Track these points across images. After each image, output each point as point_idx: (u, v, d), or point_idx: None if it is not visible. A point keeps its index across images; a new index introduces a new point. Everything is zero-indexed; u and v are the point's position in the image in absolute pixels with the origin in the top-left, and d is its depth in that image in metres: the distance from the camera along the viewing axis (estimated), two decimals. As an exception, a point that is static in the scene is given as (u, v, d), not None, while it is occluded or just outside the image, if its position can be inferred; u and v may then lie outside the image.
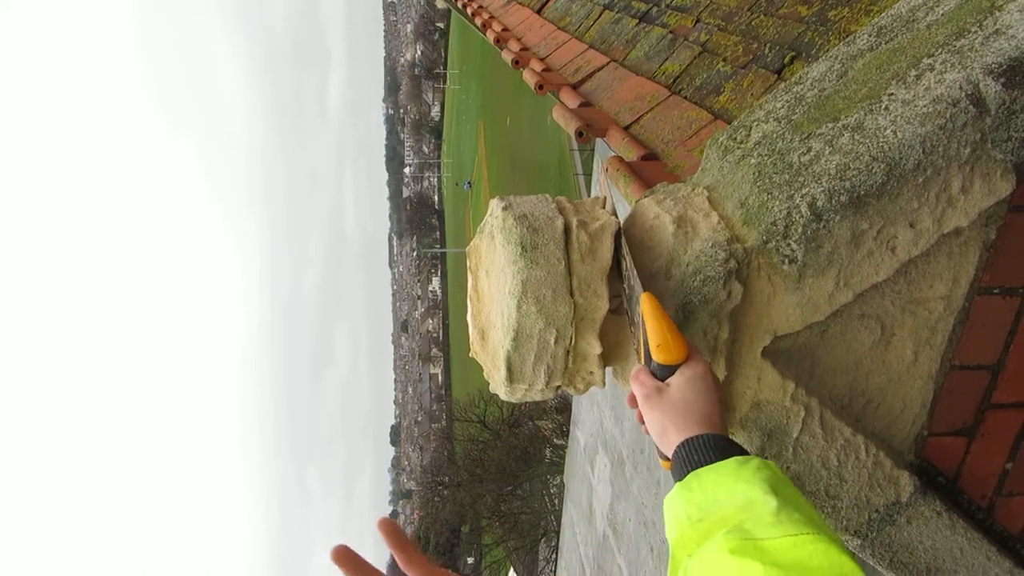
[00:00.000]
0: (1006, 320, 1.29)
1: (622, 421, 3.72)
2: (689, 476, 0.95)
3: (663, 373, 1.06)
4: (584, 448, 4.66)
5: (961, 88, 1.10)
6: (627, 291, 1.18)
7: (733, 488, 0.89)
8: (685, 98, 2.47)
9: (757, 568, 0.77)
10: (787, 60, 2.18)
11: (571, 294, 1.16)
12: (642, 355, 1.11)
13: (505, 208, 1.20)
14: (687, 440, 0.99)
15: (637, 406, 1.11)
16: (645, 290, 1.08)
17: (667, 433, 1.04)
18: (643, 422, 1.10)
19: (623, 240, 1.18)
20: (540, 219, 1.18)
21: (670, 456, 1.03)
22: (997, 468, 1.41)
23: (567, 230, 1.18)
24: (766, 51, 2.31)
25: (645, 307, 1.06)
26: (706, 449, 0.97)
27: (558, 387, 1.26)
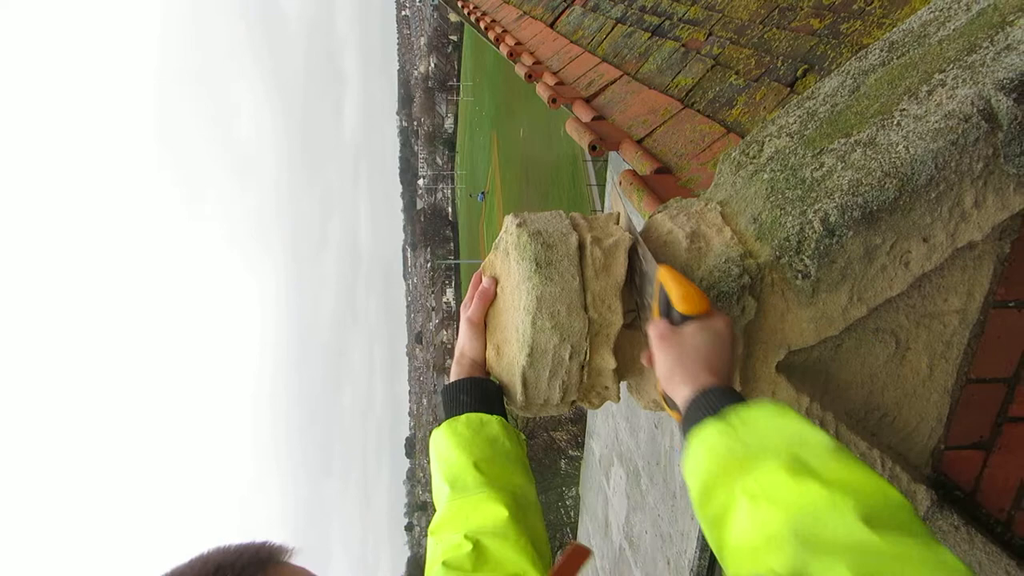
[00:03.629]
0: (1022, 333, 1.29)
1: (637, 432, 3.72)
2: (727, 413, 0.95)
3: (683, 324, 1.08)
4: (599, 460, 4.65)
5: (973, 104, 1.10)
6: (639, 289, 1.19)
7: (782, 424, 0.91)
8: (698, 111, 2.48)
9: (817, 487, 0.79)
10: (800, 73, 2.19)
11: (585, 310, 1.17)
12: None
13: (519, 225, 1.22)
14: (709, 390, 1.00)
15: (651, 362, 1.13)
16: (660, 263, 1.12)
17: (673, 375, 1.05)
18: (652, 365, 1.12)
19: (639, 240, 1.20)
20: (554, 235, 1.19)
21: (678, 401, 1.04)
22: (1015, 481, 1.40)
23: (581, 246, 1.19)
24: (779, 64, 2.32)
25: (665, 272, 1.09)
26: (731, 398, 0.99)
27: (573, 402, 1.27)
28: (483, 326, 1.29)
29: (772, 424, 0.91)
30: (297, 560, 0.85)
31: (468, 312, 1.29)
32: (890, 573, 0.68)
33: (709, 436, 0.95)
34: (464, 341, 1.30)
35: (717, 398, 0.99)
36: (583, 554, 0.98)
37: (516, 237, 1.20)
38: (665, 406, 1.14)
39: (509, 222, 1.25)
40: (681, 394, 1.04)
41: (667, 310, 1.10)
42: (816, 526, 0.76)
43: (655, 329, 1.10)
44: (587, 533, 5.08)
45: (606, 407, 4.29)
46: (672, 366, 1.06)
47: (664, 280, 1.09)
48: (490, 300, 1.27)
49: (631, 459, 3.85)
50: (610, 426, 4.25)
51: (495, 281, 1.28)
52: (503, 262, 1.26)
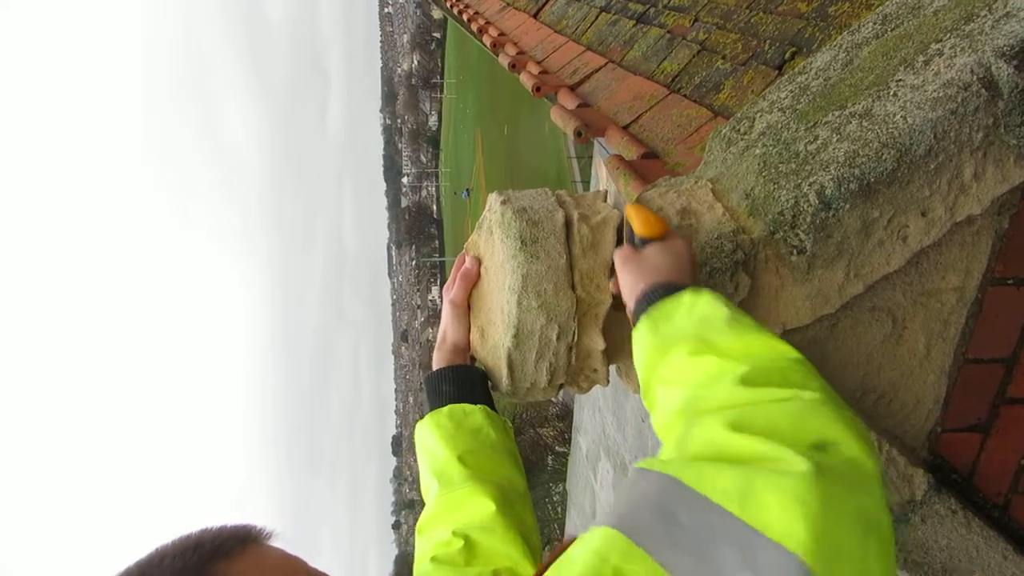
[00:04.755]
0: (1020, 312, 1.26)
1: (624, 427, 3.68)
2: (652, 309, 0.98)
3: (644, 247, 1.11)
4: (587, 454, 4.63)
5: (972, 71, 1.06)
6: None
7: (693, 308, 0.95)
8: (684, 96, 2.44)
9: (711, 360, 0.84)
10: (788, 56, 2.15)
11: (573, 288, 1.13)
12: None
13: (504, 202, 1.17)
14: (653, 285, 1.02)
15: (617, 288, 1.14)
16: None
17: (633, 291, 1.06)
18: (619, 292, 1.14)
19: (625, 219, 1.16)
20: (540, 212, 1.15)
21: (631, 315, 1.06)
22: (1012, 464, 1.37)
23: (568, 223, 1.14)
24: (766, 48, 2.28)
25: (629, 206, 1.14)
26: (669, 290, 1.01)
27: (561, 386, 1.23)
28: (466, 308, 1.24)
29: (685, 311, 0.95)
30: (279, 546, 0.84)
31: (450, 294, 1.24)
32: (758, 418, 0.72)
33: (640, 335, 0.98)
34: (446, 325, 1.26)
35: (655, 296, 1.00)
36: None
37: (500, 215, 1.16)
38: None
39: (493, 200, 1.20)
40: (632, 303, 1.05)
41: (631, 238, 1.13)
42: (703, 395, 0.81)
43: (619, 254, 1.12)
44: (574, 528, 5.05)
45: (594, 402, 4.26)
46: (632, 283, 1.07)
47: (628, 212, 1.13)
48: (473, 281, 1.23)
49: (618, 453, 3.82)
50: (597, 421, 4.22)
51: (478, 261, 1.23)
52: (487, 241, 1.21)
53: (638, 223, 1.11)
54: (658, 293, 1.00)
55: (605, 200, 1.23)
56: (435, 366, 1.25)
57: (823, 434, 0.68)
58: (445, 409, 1.18)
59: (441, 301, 1.30)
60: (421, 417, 1.22)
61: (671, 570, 0.58)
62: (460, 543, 1.04)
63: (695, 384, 0.84)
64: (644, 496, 0.67)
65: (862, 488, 0.64)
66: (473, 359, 1.25)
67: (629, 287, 1.08)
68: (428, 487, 1.16)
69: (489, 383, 1.24)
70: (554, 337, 1.14)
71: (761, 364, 0.81)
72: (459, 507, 1.09)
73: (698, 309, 0.94)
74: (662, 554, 0.60)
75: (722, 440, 0.70)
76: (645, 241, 1.09)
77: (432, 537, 1.09)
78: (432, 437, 1.17)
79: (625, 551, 0.61)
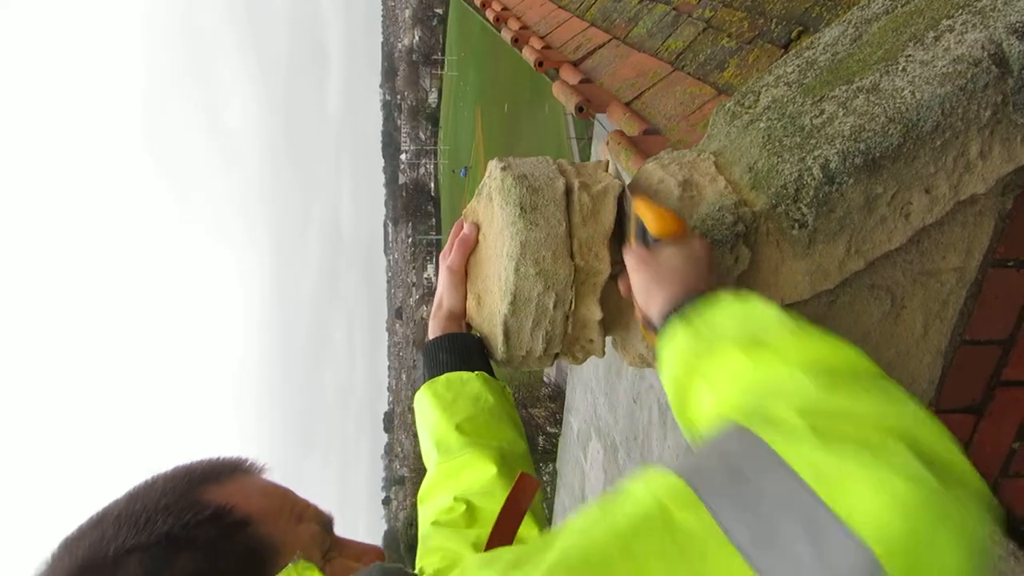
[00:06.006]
0: (1020, 294, 1.25)
1: (616, 408, 3.69)
2: (690, 313, 0.92)
3: (659, 247, 1.05)
4: (577, 435, 4.64)
5: (983, 48, 1.05)
6: (626, 238, 1.14)
7: (739, 310, 0.87)
8: (688, 74, 2.42)
9: (772, 360, 0.75)
10: (794, 35, 2.13)
11: (572, 257, 1.12)
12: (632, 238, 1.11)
13: (504, 168, 1.15)
14: (682, 301, 0.95)
15: (628, 291, 1.09)
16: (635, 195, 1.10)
17: (649, 294, 1.01)
18: (630, 294, 1.08)
19: (626, 191, 1.14)
20: (540, 179, 1.13)
21: (654, 317, 1.00)
22: (1004, 448, 1.38)
23: (568, 191, 1.13)
24: (772, 26, 2.26)
25: (639, 201, 1.07)
26: (700, 301, 0.94)
27: (556, 355, 1.22)
28: (463, 275, 1.23)
29: (729, 313, 0.88)
30: (272, 479, 0.85)
31: (448, 260, 1.23)
32: (842, 424, 0.62)
33: (676, 340, 0.92)
34: (443, 291, 1.25)
35: (688, 305, 0.94)
36: (529, 482, 0.96)
37: (500, 181, 1.14)
38: (644, 331, 1.09)
39: (493, 166, 1.19)
40: (656, 309, 1.00)
41: (643, 236, 1.06)
42: (772, 390, 0.71)
43: (631, 254, 1.06)
44: (564, 507, 5.08)
45: (585, 383, 4.27)
46: (648, 286, 1.02)
47: (638, 208, 1.06)
48: (471, 247, 1.22)
49: (609, 434, 3.83)
50: (588, 402, 4.23)
51: (476, 227, 1.22)
52: (486, 208, 1.20)
53: (653, 221, 1.04)
54: (690, 300, 0.94)
55: (607, 170, 1.21)
56: (431, 334, 1.24)
57: (934, 448, 0.60)
58: (442, 378, 1.18)
59: (437, 278, 1.29)
60: (418, 388, 1.23)
61: (726, 528, 0.55)
62: (462, 508, 1.04)
63: (759, 381, 0.75)
64: (722, 452, 0.63)
65: (971, 510, 0.57)
66: (469, 326, 1.24)
67: (644, 291, 1.03)
68: (429, 455, 1.16)
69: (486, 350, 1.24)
70: (551, 305, 1.13)
71: (839, 368, 0.71)
72: (459, 474, 1.10)
73: (748, 311, 0.87)
74: (721, 511, 0.56)
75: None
76: (659, 240, 1.03)
77: (434, 504, 1.09)
78: (430, 406, 1.17)
79: (684, 499, 0.58)
